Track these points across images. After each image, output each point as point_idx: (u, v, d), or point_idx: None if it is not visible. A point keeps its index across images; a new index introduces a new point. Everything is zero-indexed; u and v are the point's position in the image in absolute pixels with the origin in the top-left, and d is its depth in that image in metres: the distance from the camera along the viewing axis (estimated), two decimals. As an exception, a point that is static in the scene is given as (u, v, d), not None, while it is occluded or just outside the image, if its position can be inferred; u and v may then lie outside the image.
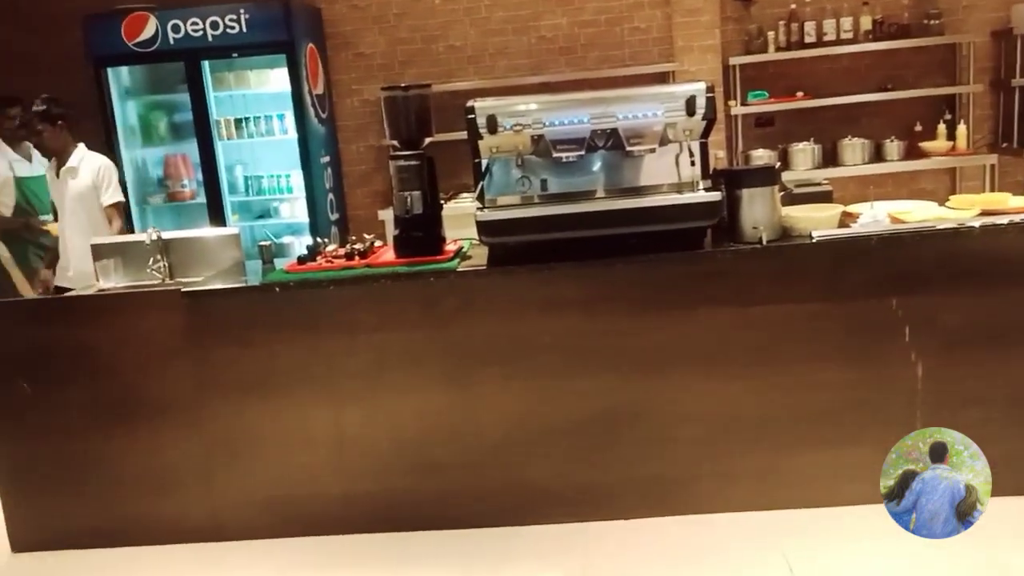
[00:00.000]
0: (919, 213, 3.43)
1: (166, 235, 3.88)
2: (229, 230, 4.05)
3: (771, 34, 6.38)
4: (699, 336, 3.31)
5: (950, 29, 6.35)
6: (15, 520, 3.62)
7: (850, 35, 6.32)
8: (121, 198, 4.61)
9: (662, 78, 6.38)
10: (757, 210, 3.28)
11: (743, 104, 6.42)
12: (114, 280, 3.84)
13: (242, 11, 6.05)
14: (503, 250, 3.38)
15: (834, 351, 3.30)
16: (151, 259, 3.81)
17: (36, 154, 5.20)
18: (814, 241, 3.24)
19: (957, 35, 6.34)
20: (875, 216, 3.36)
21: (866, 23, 6.31)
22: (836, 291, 3.27)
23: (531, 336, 3.34)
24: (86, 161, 4.52)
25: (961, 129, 6.33)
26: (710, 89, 3.24)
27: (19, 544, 3.62)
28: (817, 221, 3.34)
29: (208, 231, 4.15)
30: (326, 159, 6.58)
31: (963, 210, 3.43)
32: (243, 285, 3.43)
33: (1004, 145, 6.40)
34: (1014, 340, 3.27)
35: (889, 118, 6.48)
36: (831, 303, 3.27)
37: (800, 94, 6.42)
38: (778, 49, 6.39)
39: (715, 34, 6.42)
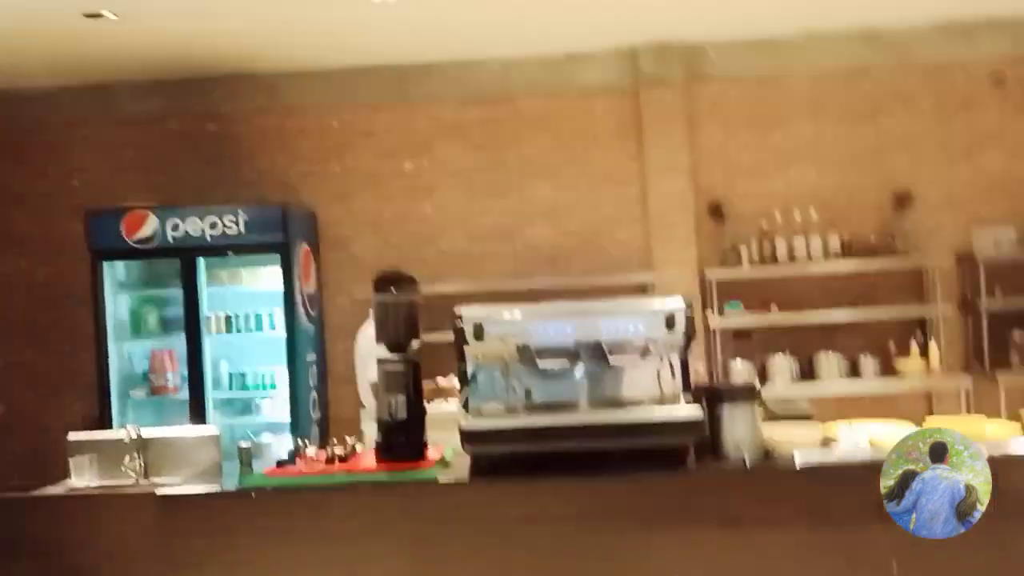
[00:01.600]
0: (898, 438, 3.45)
1: (145, 433, 3.85)
2: (208, 430, 4.03)
3: (744, 250, 6.60)
4: (685, 557, 3.23)
5: (916, 252, 6.53)
6: None
7: (819, 254, 6.52)
8: None
9: (643, 287, 6.59)
10: (739, 429, 3.31)
11: (720, 315, 6.55)
12: (87, 478, 3.76)
13: (240, 212, 6.23)
14: (486, 460, 3.36)
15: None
16: (127, 457, 3.75)
17: None
18: (798, 469, 3.24)
19: (923, 258, 6.51)
20: (855, 442, 3.38)
21: (834, 243, 6.52)
22: (821, 517, 3.21)
23: (513, 552, 3.25)
24: None
25: (933, 350, 6.39)
26: (689, 307, 3.34)
27: None
28: (799, 444, 3.35)
29: (187, 430, 4.12)
30: (312, 357, 6.61)
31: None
32: (219, 491, 3.36)
33: (976, 367, 6.47)
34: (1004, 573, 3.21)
35: (863, 334, 6.58)
36: (816, 530, 3.21)
37: (775, 307, 6.57)
38: (752, 264, 6.61)
39: (691, 248, 6.68)
